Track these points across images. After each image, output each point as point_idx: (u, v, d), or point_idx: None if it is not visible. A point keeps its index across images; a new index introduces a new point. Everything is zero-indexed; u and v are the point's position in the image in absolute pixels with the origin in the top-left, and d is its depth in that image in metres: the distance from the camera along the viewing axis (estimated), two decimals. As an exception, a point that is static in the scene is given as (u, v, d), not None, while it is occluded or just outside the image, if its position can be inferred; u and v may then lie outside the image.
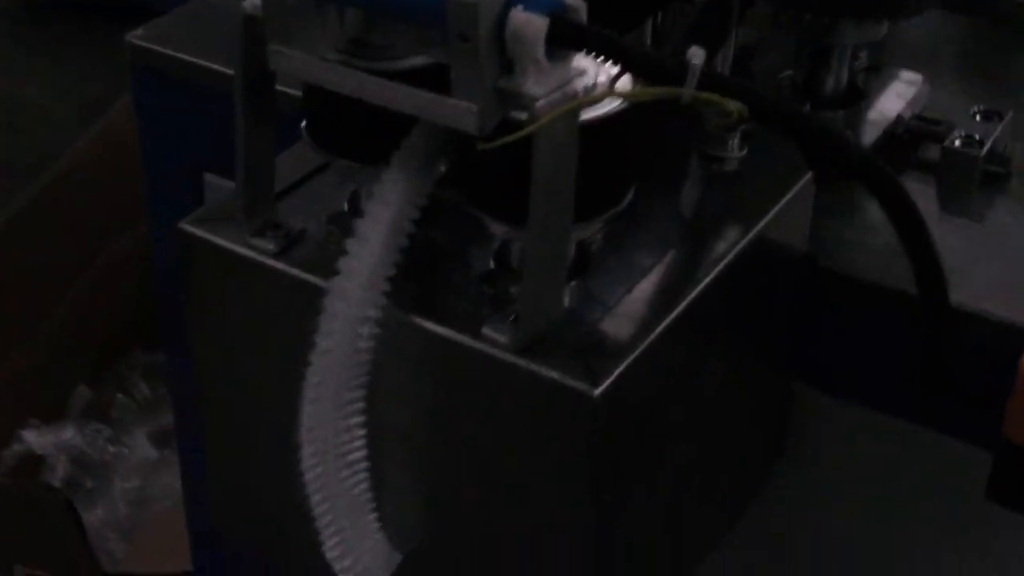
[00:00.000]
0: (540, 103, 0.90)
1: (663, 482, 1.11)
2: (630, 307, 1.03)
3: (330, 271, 1.00)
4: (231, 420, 1.17)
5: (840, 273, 1.19)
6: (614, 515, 1.04)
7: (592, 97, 0.92)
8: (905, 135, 1.30)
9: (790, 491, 1.30)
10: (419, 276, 1.05)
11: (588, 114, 0.95)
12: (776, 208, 1.12)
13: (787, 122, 0.93)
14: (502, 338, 0.98)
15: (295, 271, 1.05)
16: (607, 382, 0.96)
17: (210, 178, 1.46)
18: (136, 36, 1.42)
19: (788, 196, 1.14)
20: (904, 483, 1.26)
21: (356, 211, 1.09)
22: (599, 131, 0.96)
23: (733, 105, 0.91)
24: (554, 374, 0.97)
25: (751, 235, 1.10)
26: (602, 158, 0.97)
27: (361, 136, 1.05)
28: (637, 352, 0.99)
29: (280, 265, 1.06)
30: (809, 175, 1.15)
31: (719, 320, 1.09)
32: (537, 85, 0.90)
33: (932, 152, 1.29)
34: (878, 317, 1.19)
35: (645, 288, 1.05)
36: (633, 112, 0.98)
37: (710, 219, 1.11)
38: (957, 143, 1.26)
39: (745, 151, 1.17)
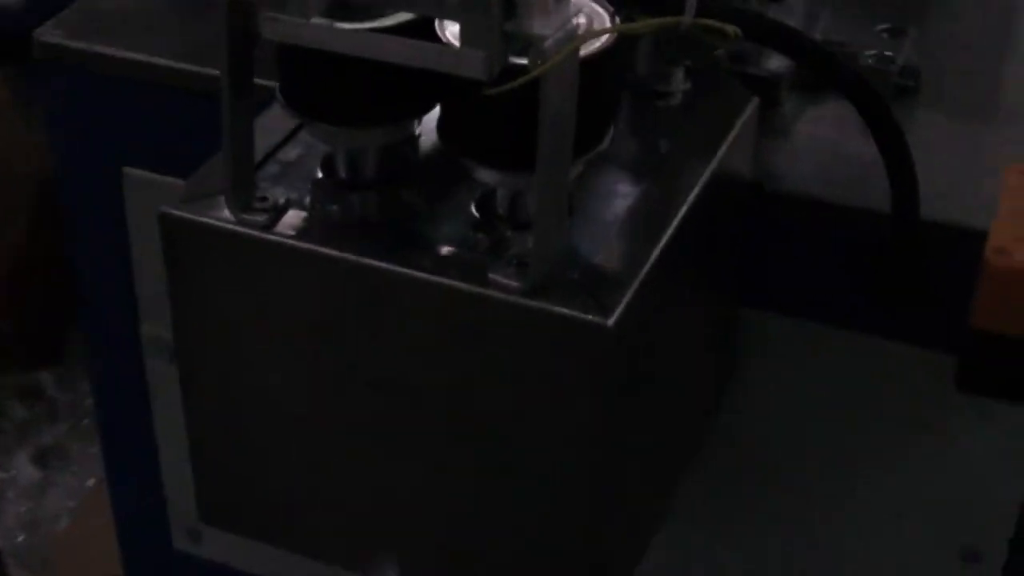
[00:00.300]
0: (548, 42, 0.92)
1: (652, 406, 1.15)
2: (619, 242, 1.06)
3: (321, 237, 1.03)
4: (225, 405, 1.16)
5: (785, 193, 1.24)
6: (622, 440, 1.08)
7: (597, 32, 0.95)
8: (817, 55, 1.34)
9: (747, 409, 1.34)
10: (410, 232, 1.07)
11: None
12: (732, 135, 1.17)
13: (785, 40, 0.98)
14: (513, 282, 1.01)
15: (290, 241, 1.06)
16: (618, 312, 1.00)
17: (129, 172, 1.45)
18: (45, 32, 1.40)
19: (740, 123, 1.18)
20: (853, 390, 1.31)
21: (332, 175, 1.11)
22: (589, 69, 0.98)
23: (730, 28, 0.95)
24: (567, 310, 1.00)
25: (714, 163, 1.14)
26: (590, 97, 1.00)
27: (337, 98, 1.06)
28: (637, 282, 1.03)
29: (273, 237, 1.06)
30: (756, 102, 1.20)
31: (691, 247, 1.13)
32: (544, 26, 0.93)
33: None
34: (820, 233, 1.24)
35: (628, 222, 1.08)
36: (609, 52, 1.01)
37: (673, 152, 1.15)
38: (870, 61, 1.32)
39: (689, 84, 1.20)
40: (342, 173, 1.11)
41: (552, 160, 0.97)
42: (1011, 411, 1.26)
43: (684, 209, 1.09)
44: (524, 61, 0.95)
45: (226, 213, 1.08)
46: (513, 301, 1.01)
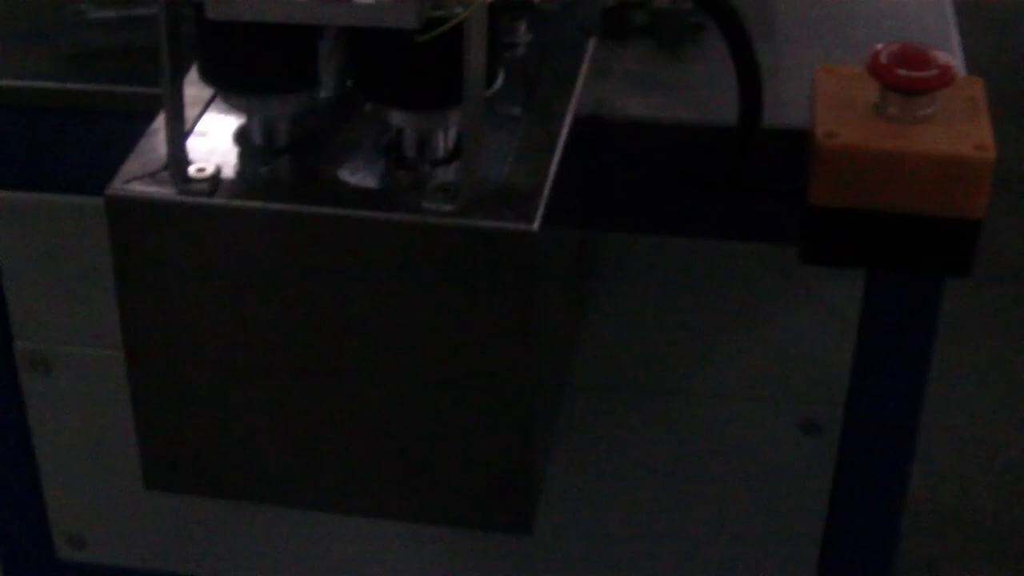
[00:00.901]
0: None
1: (555, 305, 1.31)
2: (516, 166, 1.22)
3: (262, 196, 1.17)
4: (174, 372, 1.27)
5: (621, 119, 1.41)
6: (543, 334, 1.24)
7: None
8: (614, 6, 1.53)
9: (607, 318, 1.52)
10: (339, 181, 1.21)
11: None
12: (582, 74, 1.34)
13: None
14: (446, 207, 1.16)
15: (235, 203, 1.19)
16: (538, 219, 1.16)
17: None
18: None
19: (586, 63, 1.36)
20: (696, 290, 1.50)
21: (249, 143, 1.23)
22: (489, 14, 1.14)
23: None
24: (498, 223, 1.16)
25: (575, 96, 1.31)
26: (489, 39, 1.16)
27: (257, 69, 1.19)
28: (545, 195, 1.19)
29: (220, 202, 1.19)
30: (594, 42, 1.38)
31: (567, 170, 1.30)
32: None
33: (641, 16, 1.53)
34: (656, 151, 1.42)
35: (519, 150, 1.24)
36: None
37: (538, 91, 1.31)
38: (665, 3, 1.51)
39: (532, 36, 1.37)
40: (258, 140, 1.23)
41: (475, 95, 1.13)
42: (834, 292, 1.47)
43: (564, 135, 1.25)
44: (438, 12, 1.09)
45: (169, 187, 1.19)
46: (450, 223, 1.15)
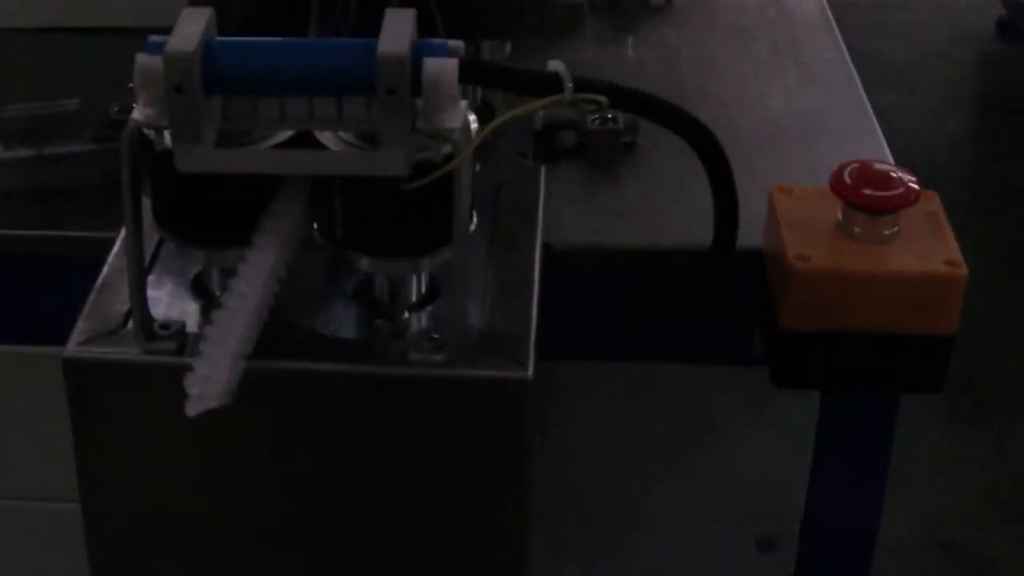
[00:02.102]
0: (459, 134, 1.04)
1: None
2: (497, 308, 1.18)
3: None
4: (136, 540, 1.20)
5: (571, 247, 1.38)
6: (531, 483, 1.19)
7: (501, 122, 1.07)
8: (542, 129, 1.49)
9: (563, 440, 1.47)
10: (312, 331, 1.15)
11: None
12: (541, 204, 1.31)
13: (642, 103, 1.12)
14: (435, 357, 1.11)
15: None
16: (531, 365, 1.12)
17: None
18: None
19: (542, 192, 1.32)
20: (648, 413, 1.47)
21: (202, 293, 1.17)
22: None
23: (602, 98, 1.09)
24: (492, 372, 1.11)
25: (538, 232, 1.27)
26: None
27: (211, 222, 1.13)
28: (532, 338, 1.15)
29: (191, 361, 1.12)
30: (543, 172, 1.34)
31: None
32: (454, 119, 1.04)
33: (568, 139, 1.50)
34: (606, 275, 1.39)
35: (496, 291, 1.20)
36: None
37: (500, 228, 1.27)
38: (597, 124, 1.48)
39: (478, 167, 1.33)
40: (216, 290, 1.17)
41: (463, 237, 1.08)
42: (791, 412, 1.45)
43: (536, 271, 1.21)
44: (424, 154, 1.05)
45: (132, 347, 1.12)
46: (441, 374, 1.10)
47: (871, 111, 1.57)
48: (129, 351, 1.12)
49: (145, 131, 1.06)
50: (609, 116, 1.49)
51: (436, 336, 1.12)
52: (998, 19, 4.39)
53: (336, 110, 1.05)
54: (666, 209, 1.41)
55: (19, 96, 1.44)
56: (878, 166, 1.29)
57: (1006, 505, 2.85)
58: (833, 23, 1.76)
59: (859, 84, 1.63)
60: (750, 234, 1.33)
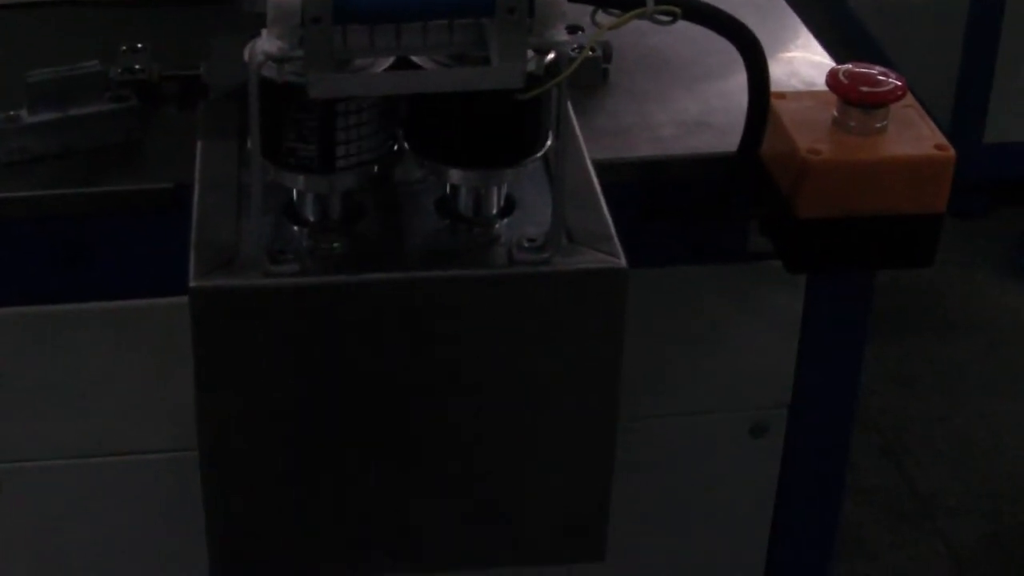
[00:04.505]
0: (574, 48, 1.15)
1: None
2: (574, 215, 1.28)
3: (355, 269, 1.20)
4: (256, 460, 1.27)
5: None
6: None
7: (599, 34, 1.19)
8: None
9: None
10: (421, 245, 1.25)
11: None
12: (576, 127, 1.41)
13: (707, 15, 1.26)
14: (540, 256, 1.22)
15: (341, 278, 1.21)
16: (622, 257, 1.24)
17: None
18: None
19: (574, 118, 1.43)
20: (653, 314, 1.59)
21: (299, 220, 1.26)
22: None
23: (677, 9, 1.21)
24: (592, 264, 1.22)
25: (583, 145, 1.38)
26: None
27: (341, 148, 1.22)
28: (614, 232, 1.26)
29: (324, 279, 1.20)
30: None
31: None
32: (563, 34, 1.16)
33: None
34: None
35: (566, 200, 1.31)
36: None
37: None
38: (570, 51, 1.60)
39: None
40: (312, 216, 1.26)
41: (564, 148, 1.19)
42: (777, 304, 1.60)
43: (596, 182, 1.32)
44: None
45: (256, 274, 1.20)
46: (549, 270, 1.21)
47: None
48: (254, 277, 1.19)
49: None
50: (582, 44, 1.60)
51: (534, 238, 1.22)
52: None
53: (448, 34, 1.15)
54: (654, 124, 1.53)
55: (37, 63, 1.48)
56: (867, 68, 1.44)
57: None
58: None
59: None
60: (724, 141, 1.47)
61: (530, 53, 1.15)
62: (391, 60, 1.19)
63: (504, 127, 1.20)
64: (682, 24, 1.44)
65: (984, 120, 3.63)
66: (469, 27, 1.15)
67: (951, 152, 1.42)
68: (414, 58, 1.19)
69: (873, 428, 3.07)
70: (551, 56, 1.16)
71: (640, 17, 1.21)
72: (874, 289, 1.60)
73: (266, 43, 1.13)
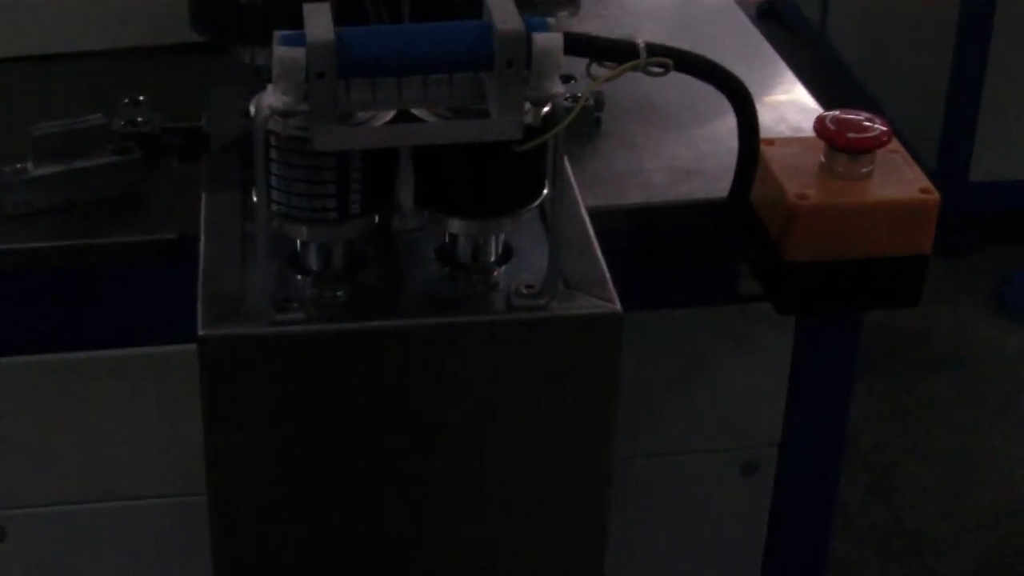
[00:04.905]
0: (568, 97, 1.19)
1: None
2: (569, 262, 1.32)
3: (359, 316, 1.24)
4: (266, 508, 1.30)
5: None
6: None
7: (596, 85, 1.22)
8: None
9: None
10: (422, 293, 1.28)
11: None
12: (571, 176, 1.45)
13: (697, 65, 1.30)
14: (537, 302, 1.26)
15: (347, 326, 1.24)
16: (617, 302, 1.27)
17: None
18: None
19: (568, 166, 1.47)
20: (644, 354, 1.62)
21: (303, 270, 1.29)
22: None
23: (669, 61, 1.25)
24: (588, 310, 1.26)
25: (578, 194, 1.42)
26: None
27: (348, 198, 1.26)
28: (609, 278, 1.30)
29: (330, 327, 1.24)
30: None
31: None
32: (559, 86, 1.19)
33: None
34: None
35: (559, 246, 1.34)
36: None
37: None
38: (570, 103, 1.64)
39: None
40: (314, 265, 1.29)
41: (560, 197, 1.23)
42: (767, 344, 1.63)
43: (591, 230, 1.36)
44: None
45: (262, 323, 1.23)
46: (546, 316, 1.25)
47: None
48: (260, 325, 1.22)
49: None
50: (578, 94, 1.64)
51: (532, 285, 1.26)
52: (757, 5, 4.70)
53: (448, 87, 1.19)
54: (646, 171, 1.57)
55: (41, 116, 1.52)
56: (854, 114, 1.48)
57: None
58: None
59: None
60: (714, 187, 1.51)
61: (527, 105, 1.18)
62: (393, 113, 1.22)
63: (502, 178, 1.24)
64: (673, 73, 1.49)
65: (970, 158, 3.67)
66: (468, 80, 1.19)
67: (935, 195, 1.45)
68: (415, 111, 1.23)
69: (861, 465, 3.10)
70: (547, 108, 1.19)
71: (634, 69, 1.24)
72: (862, 328, 1.63)
73: (271, 97, 1.17)
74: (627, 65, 1.24)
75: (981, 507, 3.02)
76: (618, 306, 1.25)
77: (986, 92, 3.60)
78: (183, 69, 1.72)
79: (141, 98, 1.58)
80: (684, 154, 1.61)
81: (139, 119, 1.55)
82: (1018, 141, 3.65)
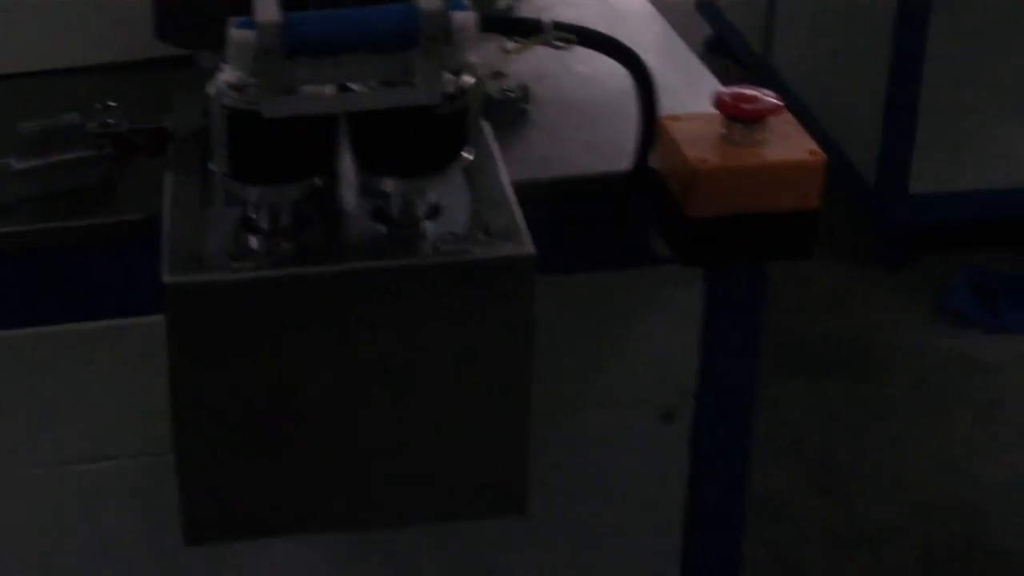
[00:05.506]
0: (481, 67, 1.38)
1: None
2: (489, 216, 1.50)
3: (306, 263, 1.42)
4: (221, 434, 1.47)
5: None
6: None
7: (506, 58, 1.41)
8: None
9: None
10: (362, 243, 1.47)
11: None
12: (495, 146, 1.64)
13: (599, 41, 1.49)
14: (459, 247, 1.44)
15: (295, 271, 1.43)
16: (531, 245, 1.45)
17: None
18: None
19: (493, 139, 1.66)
20: (567, 313, 1.80)
21: (255, 229, 1.47)
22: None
23: (573, 36, 1.45)
24: (502, 253, 1.44)
25: (499, 159, 1.60)
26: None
27: (286, 161, 1.44)
28: (524, 227, 1.48)
29: (280, 272, 1.42)
30: (489, 126, 1.68)
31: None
32: (475, 57, 1.38)
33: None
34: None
35: (484, 206, 1.52)
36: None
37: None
38: (498, 94, 1.83)
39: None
40: (264, 224, 1.47)
41: (481, 155, 1.43)
42: (679, 300, 1.82)
43: (510, 188, 1.54)
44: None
45: (224, 271, 1.41)
46: (467, 259, 1.43)
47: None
48: (218, 273, 1.40)
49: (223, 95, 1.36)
50: (506, 88, 1.84)
51: (456, 234, 1.44)
52: (705, 40, 4.91)
53: (380, 63, 1.38)
54: (568, 152, 1.75)
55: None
56: (749, 89, 1.67)
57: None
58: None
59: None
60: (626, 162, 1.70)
61: (446, 75, 1.37)
62: (334, 87, 1.41)
63: (426, 140, 1.42)
64: (600, 70, 1.67)
65: (909, 173, 3.83)
66: (397, 57, 1.37)
67: (821, 156, 1.64)
68: (352, 85, 1.41)
69: (808, 465, 3.26)
70: (466, 78, 1.38)
71: (541, 43, 1.43)
72: (767, 284, 1.81)
73: (226, 74, 1.35)
74: (534, 39, 1.42)
75: (923, 500, 3.19)
76: (532, 249, 1.43)
77: (922, 109, 3.77)
78: (151, 80, 1.90)
79: (113, 104, 1.76)
80: (604, 135, 1.78)
81: (110, 121, 1.73)
82: (954, 155, 3.82)
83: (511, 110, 1.83)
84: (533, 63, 1.89)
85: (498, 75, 1.82)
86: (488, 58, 1.73)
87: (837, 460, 3.29)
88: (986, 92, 3.78)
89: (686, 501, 1.93)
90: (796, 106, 4.14)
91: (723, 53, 4.80)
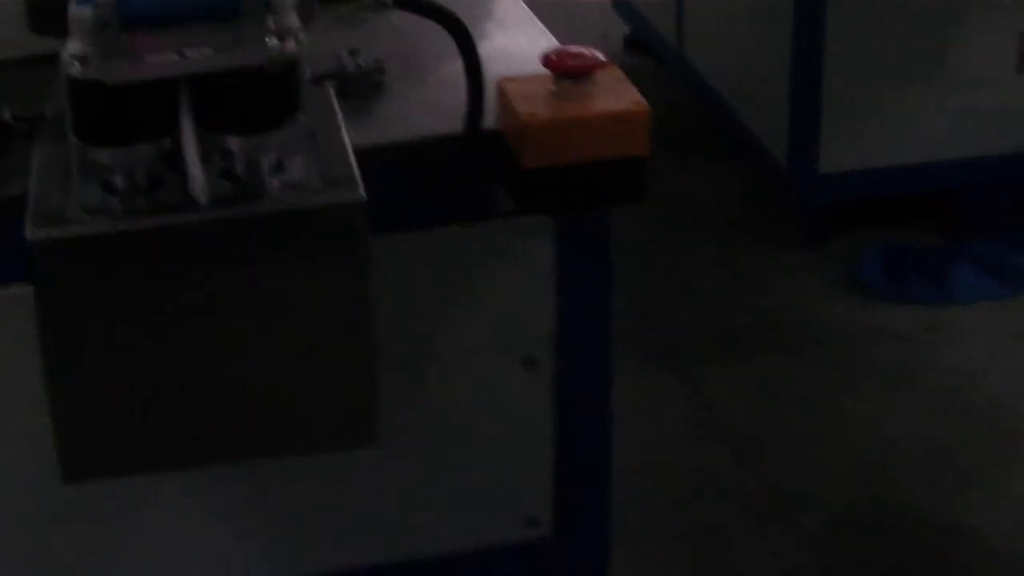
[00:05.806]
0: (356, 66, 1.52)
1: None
2: (327, 169, 1.63)
3: (157, 216, 1.55)
4: (91, 379, 1.60)
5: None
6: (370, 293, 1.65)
7: (331, 16, 1.54)
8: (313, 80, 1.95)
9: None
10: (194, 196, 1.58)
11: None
12: (337, 109, 1.77)
13: (414, 4, 1.62)
14: (296, 195, 1.57)
15: (140, 224, 1.55)
16: (363, 192, 1.58)
17: None
18: None
19: (336, 102, 1.79)
20: (430, 270, 1.93)
21: (112, 190, 1.59)
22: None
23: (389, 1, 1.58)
24: (336, 199, 1.58)
25: (341, 121, 1.73)
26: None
27: (134, 124, 1.57)
28: (359, 178, 1.61)
29: (131, 225, 1.55)
30: (332, 90, 1.81)
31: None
32: (293, 21, 1.52)
33: (333, 85, 1.96)
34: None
35: (323, 159, 1.65)
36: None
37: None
38: (354, 70, 1.96)
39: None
40: (120, 184, 1.59)
41: (325, 117, 1.55)
42: (531, 254, 1.95)
43: (348, 142, 1.67)
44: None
45: (78, 225, 1.54)
46: (303, 204, 1.56)
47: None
48: (76, 229, 1.53)
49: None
50: (361, 63, 1.96)
51: (295, 185, 1.57)
52: (624, 37, 5.04)
53: (209, 32, 1.51)
54: (417, 119, 1.88)
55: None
56: (573, 48, 1.80)
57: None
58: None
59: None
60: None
61: (272, 41, 1.50)
62: (175, 55, 1.54)
63: (261, 97, 1.55)
64: (450, 46, 1.80)
65: (818, 152, 3.92)
66: (227, 26, 1.51)
67: (644, 106, 1.77)
68: (188, 52, 1.54)
69: (731, 437, 3.37)
70: (289, 42, 1.51)
71: (362, 4, 1.56)
72: (611, 231, 1.94)
73: (69, 48, 1.48)
74: (356, 3, 1.55)
75: (840, 468, 3.28)
76: (363, 195, 1.56)
77: (826, 91, 3.86)
78: (32, 76, 2.02)
79: None
80: (452, 104, 1.90)
81: (-6, 110, 1.86)
82: (860, 133, 3.91)
83: (367, 83, 1.95)
84: (387, 41, 2.04)
85: (354, 52, 1.95)
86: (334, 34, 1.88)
87: (758, 433, 3.39)
88: (889, 71, 3.87)
89: (555, 445, 2.03)
90: (711, 95, 4.28)
91: (642, 49, 4.92)
